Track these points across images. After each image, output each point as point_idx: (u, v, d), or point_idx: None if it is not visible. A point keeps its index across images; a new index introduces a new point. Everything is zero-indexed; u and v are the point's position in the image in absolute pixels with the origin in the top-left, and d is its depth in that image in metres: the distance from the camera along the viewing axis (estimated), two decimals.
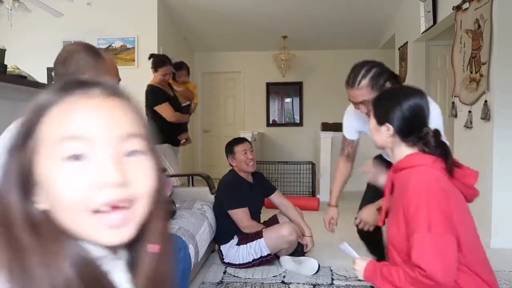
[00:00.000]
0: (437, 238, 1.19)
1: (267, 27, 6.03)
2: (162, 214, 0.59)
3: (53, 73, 1.55)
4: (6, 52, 2.49)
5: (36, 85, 2.57)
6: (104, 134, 0.51)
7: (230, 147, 2.79)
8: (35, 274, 0.48)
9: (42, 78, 3.01)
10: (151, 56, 3.41)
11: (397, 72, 5.44)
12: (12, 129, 1.25)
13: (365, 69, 1.75)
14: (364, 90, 1.74)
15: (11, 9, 3.73)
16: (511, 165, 3.02)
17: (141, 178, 0.54)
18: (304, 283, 2.33)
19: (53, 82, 2.75)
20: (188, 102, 3.72)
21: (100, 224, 0.50)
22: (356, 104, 1.83)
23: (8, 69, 2.53)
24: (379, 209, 1.91)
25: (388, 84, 1.76)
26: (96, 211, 0.50)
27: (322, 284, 2.32)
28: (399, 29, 5.44)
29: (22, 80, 2.50)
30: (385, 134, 1.40)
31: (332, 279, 2.38)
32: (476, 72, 3.24)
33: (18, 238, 0.50)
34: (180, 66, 3.69)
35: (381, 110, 1.43)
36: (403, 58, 5.20)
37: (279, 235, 2.52)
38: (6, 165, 0.52)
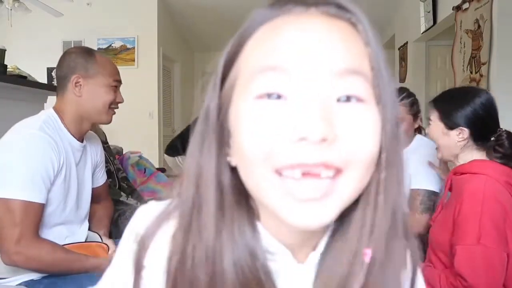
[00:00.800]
0: (486, 251, 1.11)
1: None
2: (380, 205, 0.39)
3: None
4: (6, 52, 2.49)
5: (36, 85, 2.57)
6: (314, 66, 0.37)
7: None
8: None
9: (42, 78, 3.01)
10: None
11: (397, 72, 5.45)
12: (17, 129, 1.27)
13: (407, 92, 1.85)
14: (404, 108, 1.81)
15: (11, 9, 3.73)
16: None
17: (357, 137, 0.37)
18: None
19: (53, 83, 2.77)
20: None
21: (285, 192, 0.36)
22: None
23: (8, 69, 2.53)
24: None
25: (420, 116, 1.90)
26: (281, 174, 0.36)
27: None
28: (399, 29, 5.44)
29: (22, 80, 2.50)
30: (456, 139, 1.28)
31: None
32: (476, 72, 3.24)
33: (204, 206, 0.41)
34: None
35: (449, 112, 1.29)
36: (403, 58, 5.20)
37: None
38: (204, 110, 0.42)
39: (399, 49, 5.35)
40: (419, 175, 1.75)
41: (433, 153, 1.80)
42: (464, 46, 3.44)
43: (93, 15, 4.97)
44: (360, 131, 0.37)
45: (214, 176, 0.41)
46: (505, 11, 2.96)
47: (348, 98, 0.37)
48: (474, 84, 3.26)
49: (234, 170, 0.41)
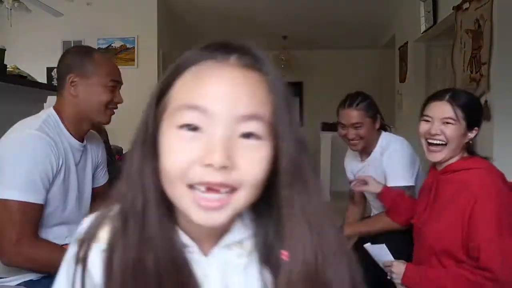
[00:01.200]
0: (510, 242, 1.16)
1: (267, 27, 6.03)
2: (297, 213, 0.51)
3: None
4: (6, 52, 2.48)
5: (36, 85, 2.57)
6: (223, 110, 0.49)
7: None
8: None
9: (42, 78, 3.01)
10: None
11: (397, 72, 5.44)
12: (17, 128, 1.26)
13: (362, 96, 1.90)
14: (361, 113, 1.87)
15: (11, 9, 3.73)
16: (511, 165, 3.02)
17: (250, 165, 0.49)
18: None
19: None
20: None
21: (193, 200, 0.49)
22: (347, 127, 1.89)
23: (8, 69, 2.53)
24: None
25: (378, 117, 1.91)
26: (192, 187, 0.49)
27: None
28: (399, 29, 5.43)
29: (22, 80, 2.50)
30: (467, 139, 1.39)
31: None
32: (476, 72, 3.24)
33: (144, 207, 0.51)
34: None
35: (474, 115, 1.38)
36: (403, 58, 5.19)
37: None
38: (142, 122, 0.54)
39: (399, 49, 5.34)
40: (393, 172, 1.83)
41: (402, 147, 1.86)
42: (464, 46, 3.43)
43: (93, 15, 4.96)
44: (251, 161, 0.49)
45: (152, 180, 0.51)
46: (505, 11, 2.96)
47: (248, 135, 0.50)
48: (474, 84, 3.26)
49: None
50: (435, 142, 1.38)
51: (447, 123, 1.36)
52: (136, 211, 0.51)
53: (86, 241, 0.54)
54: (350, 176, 2.26)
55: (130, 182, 0.53)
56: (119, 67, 1.46)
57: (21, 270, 1.22)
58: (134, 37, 5.03)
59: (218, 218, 0.49)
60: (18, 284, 1.23)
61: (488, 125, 3.08)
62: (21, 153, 1.18)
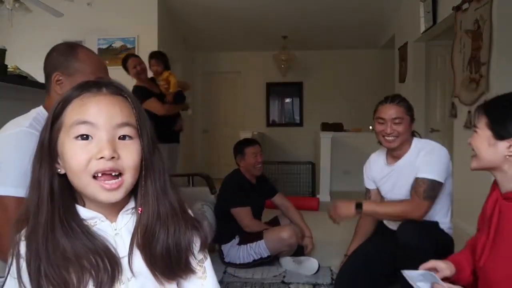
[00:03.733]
0: None
1: (267, 27, 6.03)
2: (149, 187, 0.80)
3: None
4: (6, 52, 2.49)
5: (36, 85, 2.57)
6: (105, 122, 0.74)
7: (240, 148, 2.78)
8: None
9: (42, 78, 3.00)
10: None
11: (397, 72, 5.45)
12: (8, 127, 1.27)
13: (402, 97, 1.98)
14: (403, 109, 1.92)
15: (11, 9, 3.73)
16: None
17: (128, 155, 0.76)
18: (304, 283, 2.33)
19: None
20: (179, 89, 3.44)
21: (98, 187, 0.74)
22: (386, 122, 1.92)
23: (8, 69, 2.53)
24: (357, 206, 1.92)
25: (414, 120, 1.97)
26: (95, 177, 0.73)
27: (322, 284, 2.32)
28: (399, 29, 5.44)
29: (22, 80, 2.50)
30: (504, 151, 1.14)
31: (332, 279, 2.38)
32: (476, 73, 3.25)
33: (42, 204, 0.74)
34: (150, 56, 3.42)
35: (503, 119, 1.15)
36: (403, 58, 5.20)
37: (279, 238, 2.51)
38: (39, 141, 0.78)
39: (399, 49, 5.35)
40: (428, 165, 1.86)
41: (442, 148, 1.90)
42: (464, 46, 3.44)
43: (93, 15, 4.97)
44: (129, 153, 0.76)
45: (49, 182, 0.75)
46: (505, 11, 2.96)
47: (124, 137, 0.76)
48: (473, 84, 3.27)
49: (62, 175, 0.77)
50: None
51: (475, 131, 1.25)
52: (39, 203, 0.75)
53: (13, 242, 0.76)
54: (369, 184, 2.23)
55: (31, 184, 0.76)
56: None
57: None
58: (134, 37, 5.04)
59: (118, 195, 0.76)
60: None
61: None
62: (15, 150, 1.19)
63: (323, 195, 5.01)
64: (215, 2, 5.28)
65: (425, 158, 1.88)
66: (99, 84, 0.78)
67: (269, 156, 6.73)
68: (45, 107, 1.35)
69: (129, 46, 5.04)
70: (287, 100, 7.32)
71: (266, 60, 6.95)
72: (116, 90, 0.78)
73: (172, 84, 3.30)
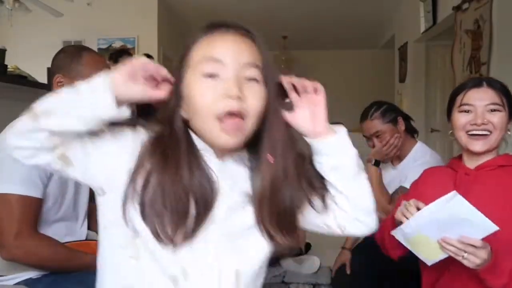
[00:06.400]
0: None
1: (267, 27, 6.02)
2: (276, 134, 0.77)
3: None
4: (6, 52, 2.49)
5: (36, 85, 2.58)
6: (232, 60, 0.73)
7: None
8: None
9: (42, 78, 3.00)
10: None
11: (397, 72, 5.45)
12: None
13: (376, 105, 1.95)
14: (376, 121, 1.90)
15: (11, 9, 3.73)
16: None
17: (253, 99, 0.73)
18: (304, 283, 2.33)
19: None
20: None
21: (220, 129, 0.72)
22: (370, 138, 1.92)
23: (8, 69, 2.53)
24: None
25: (400, 119, 1.91)
26: (219, 118, 0.71)
27: (322, 284, 2.32)
28: (399, 29, 5.44)
29: (22, 80, 2.50)
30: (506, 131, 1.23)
31: (332, 279, 2.38)
32: (476, 72, 3.24)
33: (177, 141, 0.73)
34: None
35: None
36: (403, 58, 5.20)
37: None
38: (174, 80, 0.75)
39: (399, 49, 5.35)
40: (414, 177, 1.74)
41: (434, 161, 1.82)
42: (464, 46, 3.44)
43: (93, 15, 4.96)
44: (254, 97, 0.73)
45: (181, 121, 0.75)
46: (505, 11, 2.96)
47: (250, 78, 0.74)
48: None
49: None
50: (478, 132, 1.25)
51: (494, 110, 1.24)
52: (168, 129, 0.74)
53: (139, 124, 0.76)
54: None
55: (163, 120, 0.76)
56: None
57: (20, 267, 1.22)
58: (134, 37, 5.04)
59: (237, 139, 0.73)
60: (17, 283, 1.23)
61: None
62: None
63: None
64: (215, 2, 5.28)
65: (417, 169, 1.71)
66: (226, 24, 0.76)
67: None
68: None
69: (129, 46, 5.04)
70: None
71: None
72: (244, 32, 0.76)
73: None
